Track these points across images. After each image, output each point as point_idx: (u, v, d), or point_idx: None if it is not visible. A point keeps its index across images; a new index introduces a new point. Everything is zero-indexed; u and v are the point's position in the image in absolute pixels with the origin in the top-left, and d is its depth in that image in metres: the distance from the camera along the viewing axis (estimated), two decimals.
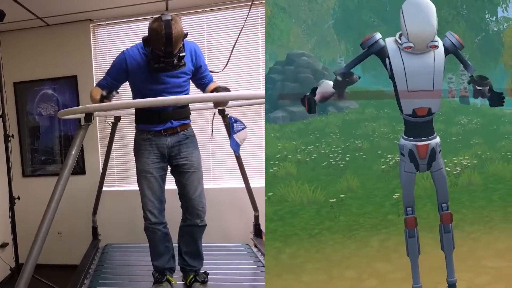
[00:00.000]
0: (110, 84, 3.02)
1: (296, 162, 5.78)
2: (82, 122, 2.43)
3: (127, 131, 4.72)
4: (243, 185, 4.09)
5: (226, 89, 2.86)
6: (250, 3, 3.63)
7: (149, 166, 3.04)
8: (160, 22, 2.70)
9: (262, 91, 3.24)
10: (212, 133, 3.37)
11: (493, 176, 4.83)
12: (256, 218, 4.16)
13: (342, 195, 4.23)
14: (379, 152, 5.95)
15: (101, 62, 4.95)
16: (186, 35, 2.84)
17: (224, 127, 3.62)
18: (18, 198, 4.25)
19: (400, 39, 2.15)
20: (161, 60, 2.80)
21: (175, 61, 2.83)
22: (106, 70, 3.08)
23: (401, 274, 2.38)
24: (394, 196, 4.02)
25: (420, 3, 2.10)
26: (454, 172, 4.72)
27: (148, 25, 2.82)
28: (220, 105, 3.02)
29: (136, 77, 2.97)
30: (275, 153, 6.08)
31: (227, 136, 3.21)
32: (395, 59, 2.14)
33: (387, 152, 5.78)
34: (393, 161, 5.34)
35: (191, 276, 3.16)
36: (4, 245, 4.67)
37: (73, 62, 4.94)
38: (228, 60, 3.40)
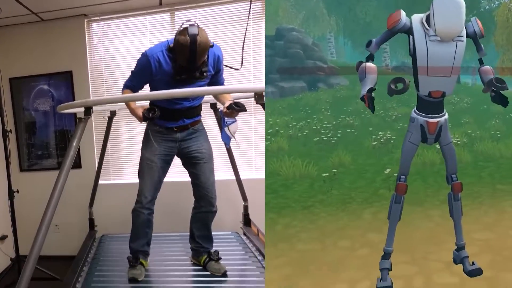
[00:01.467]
0: (137, 85, 3.13)
1: (287, 137, 5.92)
2: (79, 115, 2.50)
3: (122, 125, 4.87)
4: (233, 177, 4.24)
5: (241, 107, 2.88)
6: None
7: (155, 156, 3.19)
8: (186, 37, 2.77)
9: (262, 85, 3.28)
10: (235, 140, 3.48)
11: (483, 154, 5.01)
12: (245, 208, 4.33)
13: (334, 170, 4.39)
14: (370, 129, 6.10)
15: (96, 57, 4.98)
16: (212, 46, 2.93)
17: (216, 121, 3.73)
18: (17, 191, 4.40)
19: (427, 23, 2.23)
20: (183, 72, 2.90)
21: (197, 74, 2.92)
22: (131, 70, 3.15)
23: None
24: (385, 172, 4.18)
25: (451, 1, 2.18)
26: None
27: (175, 36, 2.87)
28: (229, 117, 3.00)
29: (158, 79, 3.03)
30: (267, 128, 6.19)
31: (219, 129, 3.32)
32: (420, 43, 2.23)
33: (378, 129, 5.94)
34: (384, 138, 5.51)
35: (205, 256, 3.36)
36: (4, 237, 4.78)
37: (68, 58, 4.97)
38: (242, 57, 3.46)
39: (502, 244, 2.85)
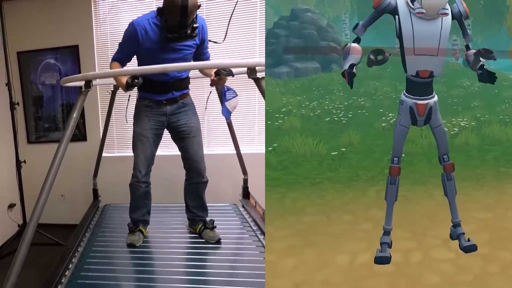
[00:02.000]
0: (125, 57, 3.24)
1: (300, 117, 6.01)
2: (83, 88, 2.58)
3: (127, 99, 4.97)
4: (234, 151, 4.37)
5: (228, 72, 2.97)
6: None
7: (146, 131, 3.31)
8: None
9: (261, 60, 3.35)
10: (206, 109, 3.71)
11: (489, 138, 5.08)
12: (245, 181, 4.47)
13: (343, 149, 4.51)
14: (380, 110, 6.17)
15: (101, 32, 5.08)
16: (199, 6, 2.98)
17: (217, 96, 3.83)
18: (24, 162, 4.62)
19: (412, 3, 2.32)
20: (175, 30, 2.98)
21: (188, 31, 3.00)
22: (118, 42, 3.27)
23: (393, 220, 2.62)
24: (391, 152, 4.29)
25: None
26: (452, 133, 4.98)
27: None
28: (218, 85, 3.14)
29: (145, 48, 3.13)
30: (280, 107, 6.30)
31: (220, 104, 3.40)
32: (405, 21, 2.32)
33: (389, 110, 6.01)
34: (394, 119, 5.57)
35: (200, 225, 3.53)
36: (12, 205, 4.98)
37: (75, 32, 5.08)
38: (226, 31, 3.53)
39: (500, 224, 2.96)
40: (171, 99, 3.32)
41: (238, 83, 3.30)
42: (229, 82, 3.19)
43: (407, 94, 2.46)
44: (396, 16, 2.36)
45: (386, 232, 2.58)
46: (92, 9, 5.04)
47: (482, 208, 3.21)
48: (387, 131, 5.37)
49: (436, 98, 2.47)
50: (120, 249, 3.37)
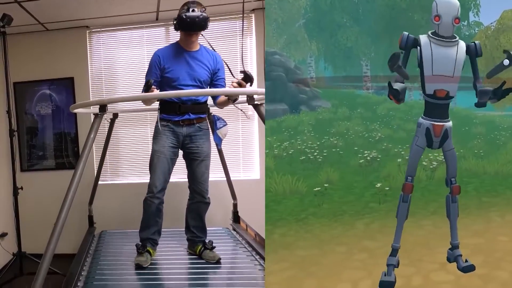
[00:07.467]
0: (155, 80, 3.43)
1: (273, 157, 6.12)
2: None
3: (120, 129, 5.21)
4: (223, 178, 4.58)
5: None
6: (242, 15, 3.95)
7: (164, 148, 3.49)
8: None
9: (261, 89, 3.64)
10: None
11: (467, 172, 5.27)
12: (235, 206, 4.65)
13: (326, 185, 4.60)
14: (355, 148, 6.34)
15: (96, 65, 5.46)
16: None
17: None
18: (22, 188, 4.65)
19: (431, 34, 2.55)
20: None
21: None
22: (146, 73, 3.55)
23: (388, 248, 2.68)
24: (376, 186, 4.41)
25: None
26: (431, 167, 5.14)
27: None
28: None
29: (166, 63, 3.46)
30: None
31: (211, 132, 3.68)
32: (425, 49, 2.53)
33: (363, 148, 6.20)
34: (370, 156, 5.75)
35: (200, 246, 3.65)
36: (4, 234, 4.95)
37: (70, 65, 5.40)
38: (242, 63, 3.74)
39: (493, 247, 3.08)
40: (187, 120, 3.52)
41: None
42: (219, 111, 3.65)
43: (424, 117, 2.61)
44: (418, 47, 2.56)
45: (394, 251, 2.65)
46: (87, 44, 5.39)
47: (472, 234, 3.31)
48: (365, 168, 5.52)
49: (451, 123, 2.63)
50: (124, 271, 3.41)
